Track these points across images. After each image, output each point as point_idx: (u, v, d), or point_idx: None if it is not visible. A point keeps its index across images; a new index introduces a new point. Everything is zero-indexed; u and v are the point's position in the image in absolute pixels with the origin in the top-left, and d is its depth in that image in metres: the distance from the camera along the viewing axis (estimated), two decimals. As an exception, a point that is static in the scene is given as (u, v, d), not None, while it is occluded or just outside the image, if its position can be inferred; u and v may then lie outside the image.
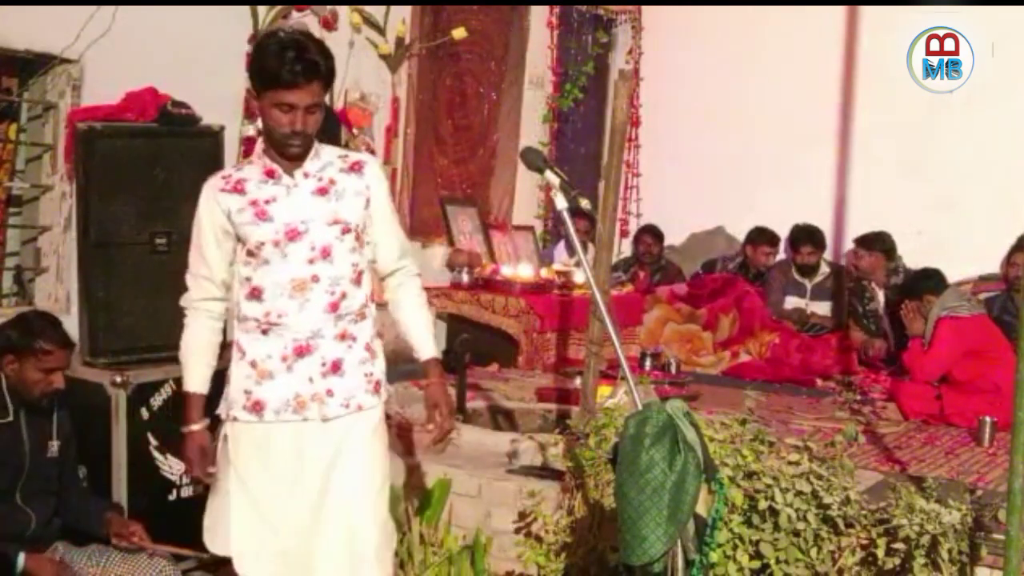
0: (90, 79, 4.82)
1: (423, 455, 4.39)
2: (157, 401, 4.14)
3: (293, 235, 2.95)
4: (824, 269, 7.45)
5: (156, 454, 4.14)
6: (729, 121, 7.96)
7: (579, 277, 6.76)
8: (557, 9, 7.91)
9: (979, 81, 6.09)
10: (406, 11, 6.65)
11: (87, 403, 3.96)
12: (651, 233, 8.03)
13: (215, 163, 4.30)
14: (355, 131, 6.31)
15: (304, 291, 2.96)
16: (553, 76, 8.01)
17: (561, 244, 7.73)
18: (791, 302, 7.43)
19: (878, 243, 7.15)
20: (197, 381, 3.05)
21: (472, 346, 5.42)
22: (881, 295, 7.15)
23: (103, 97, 4.54)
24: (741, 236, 7.97)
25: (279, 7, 5.68)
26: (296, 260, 2.96)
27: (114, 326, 4.24)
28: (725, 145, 8.00)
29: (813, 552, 3.53)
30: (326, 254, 2.98)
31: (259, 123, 3.01)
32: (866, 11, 7.57)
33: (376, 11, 6.40)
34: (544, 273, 7.03)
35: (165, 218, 4.28)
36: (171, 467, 4.17)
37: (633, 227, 8.38)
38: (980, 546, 3.47)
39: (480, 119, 7.47)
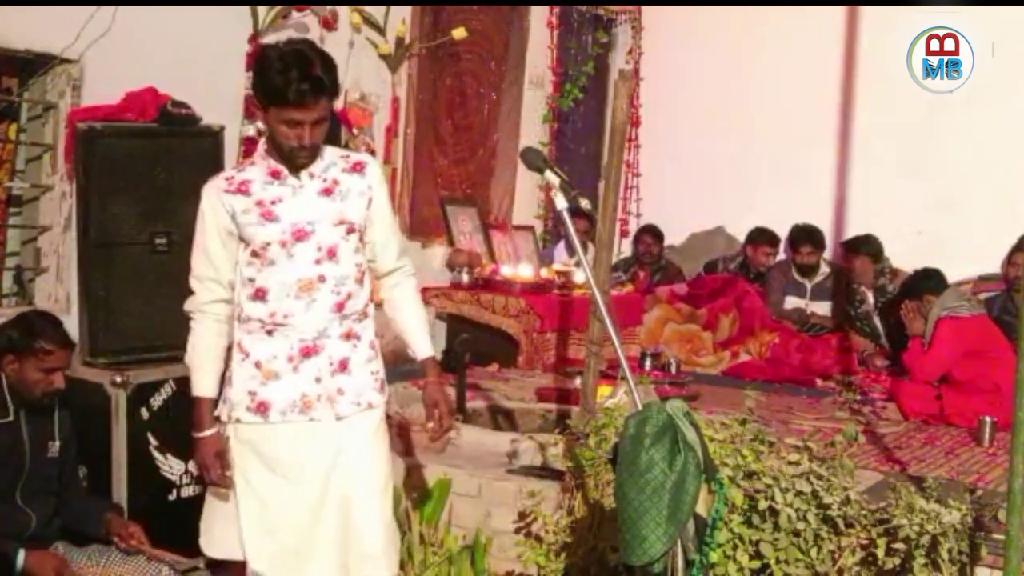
0: (90, 79, 4.81)
1: (423, 455, 4.39)
2: (157, 401, 4.13)
3: (300, 235, 2.95)
4: (824, 269, 7.44)
5: (156, 454, 4.14)
6: (729, 121, 7.96)
7: (579, 277, 6.76)
8: (557, 9, 7.90)
9: (979, 81, 6.10)
10: (406, 11, 6.64)
11: (87, 403, 3.94)
12: (651, 233, 8.03)
13: (215, 163, 4.30)
14: (355, 131, 6.30)
15: (311, 291, 2.96)
16: (553, 76, 8.00)
17: (561, 244, 7.72)
18: (791, 302, 7.43)
19: (864, 246, 7.16)
20: (208, 385, 3.02)
21: (472, 346, 5.44)
22: (871, 296, 7.15)
23: (103, 97, 4.53)
24: (741, 236, 7.97)
25: (279, 7, 5.67)
26: (302, 260, 2.96)
27: (114, 326, 4.23)
28: (725, 145, 8.00)
29: (813, 552, 3.53)
30: (332, 254, 2.98)
31: (259, 123, 3.02)
32: (866, 11, 7.57)
33: (376, 11, 6.39)
34: (544, 273, 7.03)
35: (165, 218, 4.28)
36: (171, 467, 4.16)
37: (633, 227, 8.37)
38: (980, 546, 3.47)
39: (480, 119, 7.46)
